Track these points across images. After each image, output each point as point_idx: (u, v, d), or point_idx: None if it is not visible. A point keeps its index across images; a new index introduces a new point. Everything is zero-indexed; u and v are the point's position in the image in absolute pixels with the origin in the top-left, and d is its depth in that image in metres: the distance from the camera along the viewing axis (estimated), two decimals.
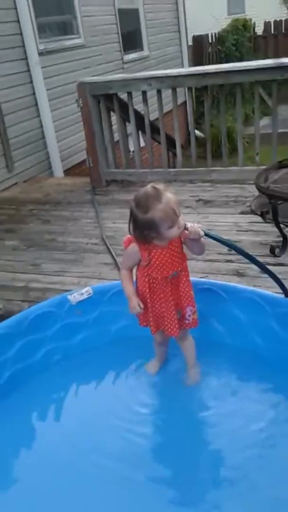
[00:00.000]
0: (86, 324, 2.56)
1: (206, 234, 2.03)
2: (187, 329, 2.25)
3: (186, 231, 1.96)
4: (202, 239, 2.03)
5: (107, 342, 2.55)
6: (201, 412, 2.23)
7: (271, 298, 2.34)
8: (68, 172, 6.29)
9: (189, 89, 4.69)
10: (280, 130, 4.58)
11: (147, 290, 2.15)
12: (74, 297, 2.54)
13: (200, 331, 2.34)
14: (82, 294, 2.56)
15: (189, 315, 2.20)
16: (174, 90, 4.71)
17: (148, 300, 2.17)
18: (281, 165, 3.86)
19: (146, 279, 2.13)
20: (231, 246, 2.18)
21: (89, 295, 2.57)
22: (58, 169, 6.11)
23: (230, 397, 2.27)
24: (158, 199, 1.85)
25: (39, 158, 5.98)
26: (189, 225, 1.95)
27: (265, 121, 10.28)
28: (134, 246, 2.08)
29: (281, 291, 2.33)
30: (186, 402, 2.28)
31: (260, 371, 2.34)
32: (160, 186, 1.91)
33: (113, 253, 3.56)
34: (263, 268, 2.26)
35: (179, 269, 2.11)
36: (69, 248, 3.84)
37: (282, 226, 3.41)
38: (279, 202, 3.36)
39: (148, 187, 1.89)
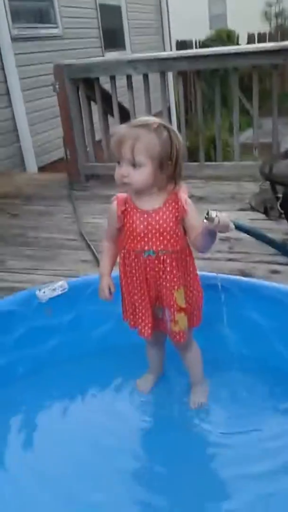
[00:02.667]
0: (59, 328, 1.98)
1: (237, 227, 1.47)
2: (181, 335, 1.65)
3: (208, 221, 1.36)
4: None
5: (86, 351, 1.95)
6: (208, 447, 1.67)
7: None
8: (43, 169, 5.72)
9: (179, 73, 4.16)
10: (264, 140, 4.19)
11: (121, 269, 1.63)
12: (44, 292, 1.96)
13: (206, 339, 1.80)
14: (54, 289, 1.98)
15: (168, 320, 1.62)
16: (163, 74, 4.23)
17: (123, 283, 1.64)
18: (286, 155, 3.42)
19: (121, 254, 1.61)
20: (271, 242, 1.57)
21: (63, 291, 1.99)
22: (31, 165, 5.53)
23: (247, 426, 1.69)
24: (126, 124, 1.50)
25: (9, 152, 5.40)
26: (215, 214, 1.35)
27: (250, 132, 10.03)
28: (113, 202, 1.58)
29: None
30: (189, 432, 1.71)
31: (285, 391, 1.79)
32: (147, 119, 1.49)
33: (94, 249, 3.00)
34: None
35: (161, 249, 1.53)
36: (41, 244, 3.27)
37: None
38: None
39: (150, 116, 1.53)
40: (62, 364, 1.92)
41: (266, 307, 1.88)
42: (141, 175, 1.45)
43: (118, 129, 1.48)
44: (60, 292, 1.96)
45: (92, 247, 3.06)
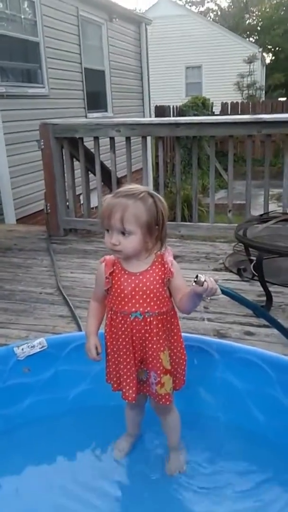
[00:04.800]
0: (36, 387, 1.95)
1: (223, 292, 1.54)
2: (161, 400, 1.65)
3: (196, 285, 1.42)
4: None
5: (62, 411, 1.93)
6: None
7: (278, 361, 1.85)
8: (21, 221, 5.77)
9: (159, 138, 4.35)
10: (235, 201, 4.41)
11: (107, 330, 1.63)
12: (23, 350, 1.95)
13: (185, 402, 1.80)
14: (33, 346, 1.97)
15: (153, 383, 1.62)
16: (144, 139, 4.44)
17: (108, 344, 1.64)
18: (261, 219, 3.57)
19: (108, 314, 1.63)
20: (255, 308, 1.65)
21: (42, 349, 1.98)
22: (10, 216, 5.57)
23: (224, 495, 1.68)
24: (111, 194, 1.54)
25: None
26: (203, 278, 1.42)
27: (221, 194, 10.43)
28: (102, 264, 1.61)
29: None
30: (165, 500, 1.68)
31: (262, 458, 1.80)
32: (131, 188, 1.52)
33: (71, 304, 3.01)
34: None
35: (147, 311, 1.56)
36: (17, 297, 3.25)
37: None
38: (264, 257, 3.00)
39: (133, 184, 1.57)
40: (35, 424, 1.88)
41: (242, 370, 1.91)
42: (132, 243, 1.50)
43: (106, 199, 1.53)
44: (38, 350, 1.96)
45: (69, 302, 3.07)
